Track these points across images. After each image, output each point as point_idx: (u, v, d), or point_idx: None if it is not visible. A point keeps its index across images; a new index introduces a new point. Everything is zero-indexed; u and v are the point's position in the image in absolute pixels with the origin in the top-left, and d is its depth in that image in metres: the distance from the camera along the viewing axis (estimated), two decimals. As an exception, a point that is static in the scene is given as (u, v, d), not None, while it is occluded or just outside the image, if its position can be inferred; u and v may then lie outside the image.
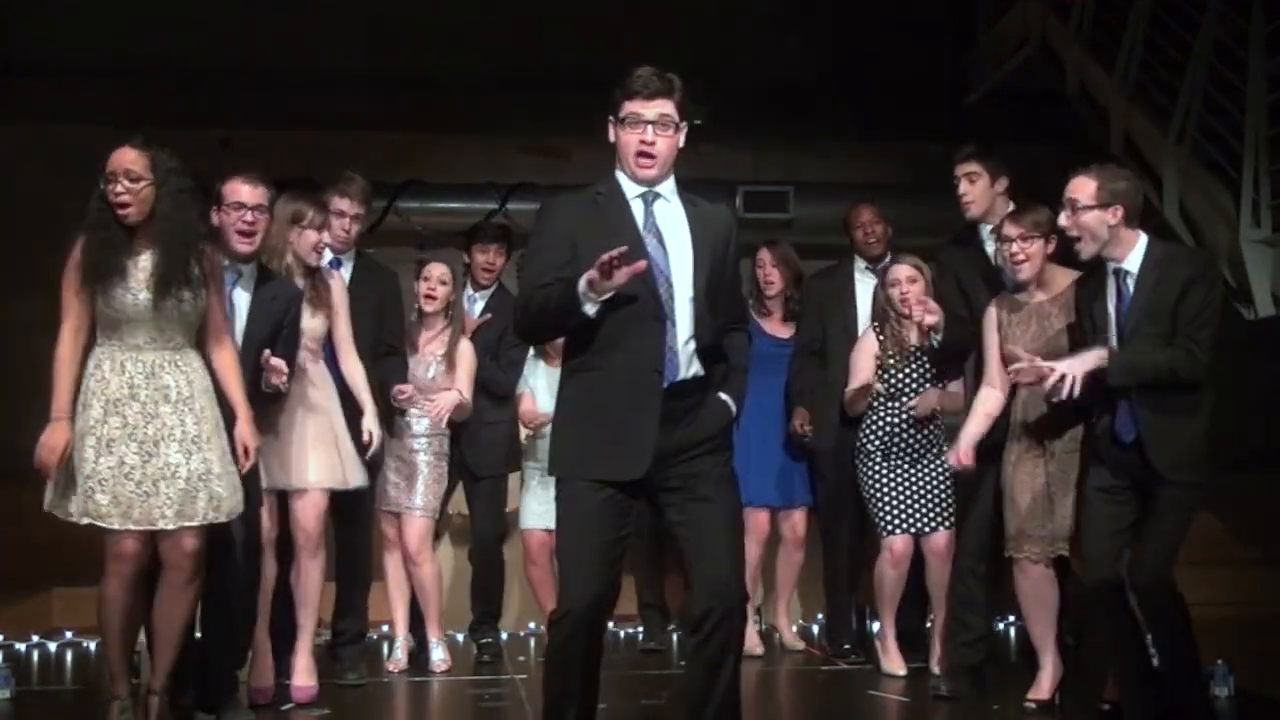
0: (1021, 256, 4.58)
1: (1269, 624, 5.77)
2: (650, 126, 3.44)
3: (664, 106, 3.46)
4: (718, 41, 7.72)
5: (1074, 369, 4.06)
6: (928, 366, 5.16)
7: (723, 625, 3.38)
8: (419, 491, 5.29)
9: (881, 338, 5.23)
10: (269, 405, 4.45)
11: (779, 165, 8.13)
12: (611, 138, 3.52)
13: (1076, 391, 4.04)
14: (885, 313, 5.24)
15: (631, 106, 3.45)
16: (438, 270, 5.38)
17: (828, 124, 8.02)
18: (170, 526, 3.88)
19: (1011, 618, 6.13)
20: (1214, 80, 5.72)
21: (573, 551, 3.44)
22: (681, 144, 3.53)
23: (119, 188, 3.88)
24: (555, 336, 3.71)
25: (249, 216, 4.33)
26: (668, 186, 3.55)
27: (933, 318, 4.84)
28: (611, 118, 3.50)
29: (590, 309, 3.33)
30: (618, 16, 7.51)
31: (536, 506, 5.47)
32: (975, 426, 4.69)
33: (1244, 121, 5.48)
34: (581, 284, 3.30)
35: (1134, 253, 4.14)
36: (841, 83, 7.89)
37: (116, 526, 3.85)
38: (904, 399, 5.15)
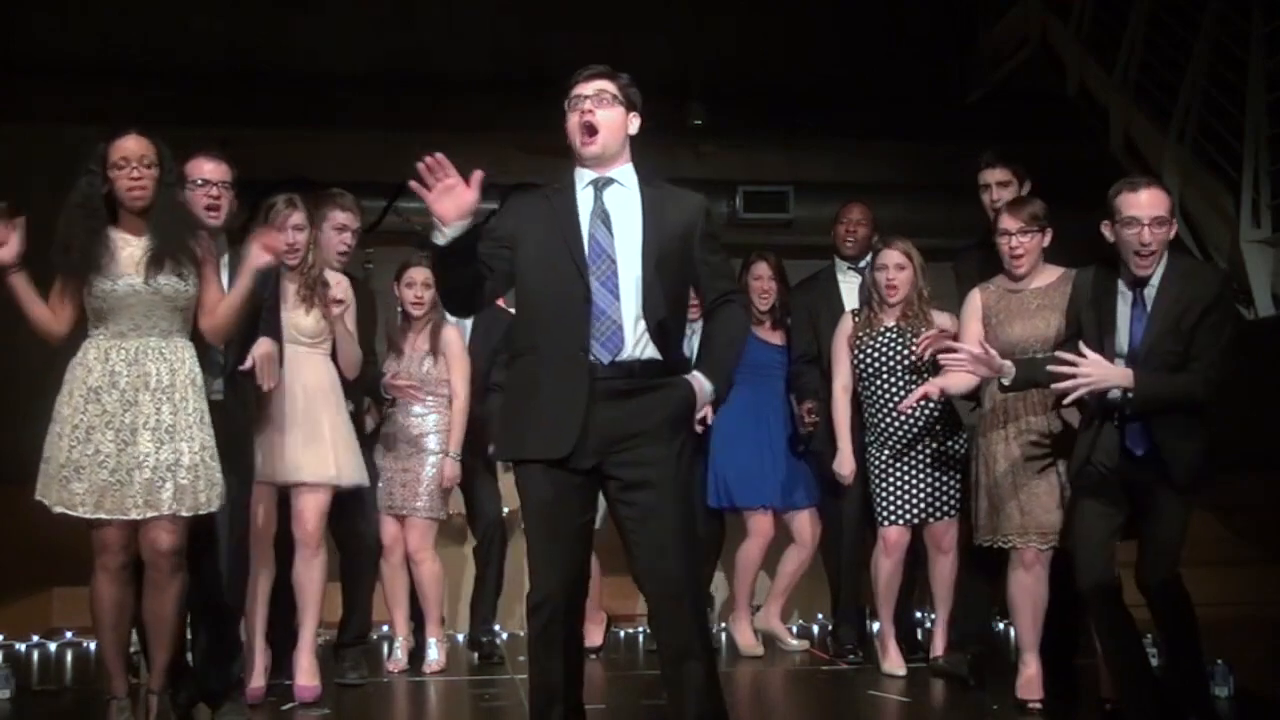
0: (1021, 250, 4.56)
1: (1269, 624, 5.78)
2: (588, 100, 3.49)
3: (603, 84, 3.51)
4: (718, 42, 7.73)
5: (1102, 378, 3.96)
6: (900, 345, 5.13)
7: (670, 625, 3.41)
8: (423, 494, 5.29)
9: (857, 319, 5.24)
10: (267, 395, 4.47)
11: (779, 165, 8.14)
12: (567, 132, 3.57)
13: (1084, 394, 3.99)
14: (869, 295, 5.25)
15: (572, 91, 3.53)
16: (421, 275, 5.34)
17: (827, 124, 8.02)
18: (139, 516, 3.87)
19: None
20: (1214, 80, 5.72)
21: (538, 539, 3.48)
22: (632, 130, 3.56)
23: (135, 173, 3.92)
24: (456, 292, 3.60)
25: (214, 191, 4.37)
26: (624, 173, 3.57)
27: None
28: (564, 119, 3.56)
29: (438, 237, 3.40)
30: (618, 17, 7.51)
31: None
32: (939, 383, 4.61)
33: (1244, 121, 5.49)
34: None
35: (1159, 266, 4.07)
36: (841, 83, 7.90)
37: (88, 515, 3.86)
38: (880, 379, 5.14)
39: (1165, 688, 4.15)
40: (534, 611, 3.46)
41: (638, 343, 3.47)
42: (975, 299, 4.67)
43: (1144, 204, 4.01)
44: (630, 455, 3.43)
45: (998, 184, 5.03)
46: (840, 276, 5.73)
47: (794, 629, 6.07)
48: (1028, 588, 4.57)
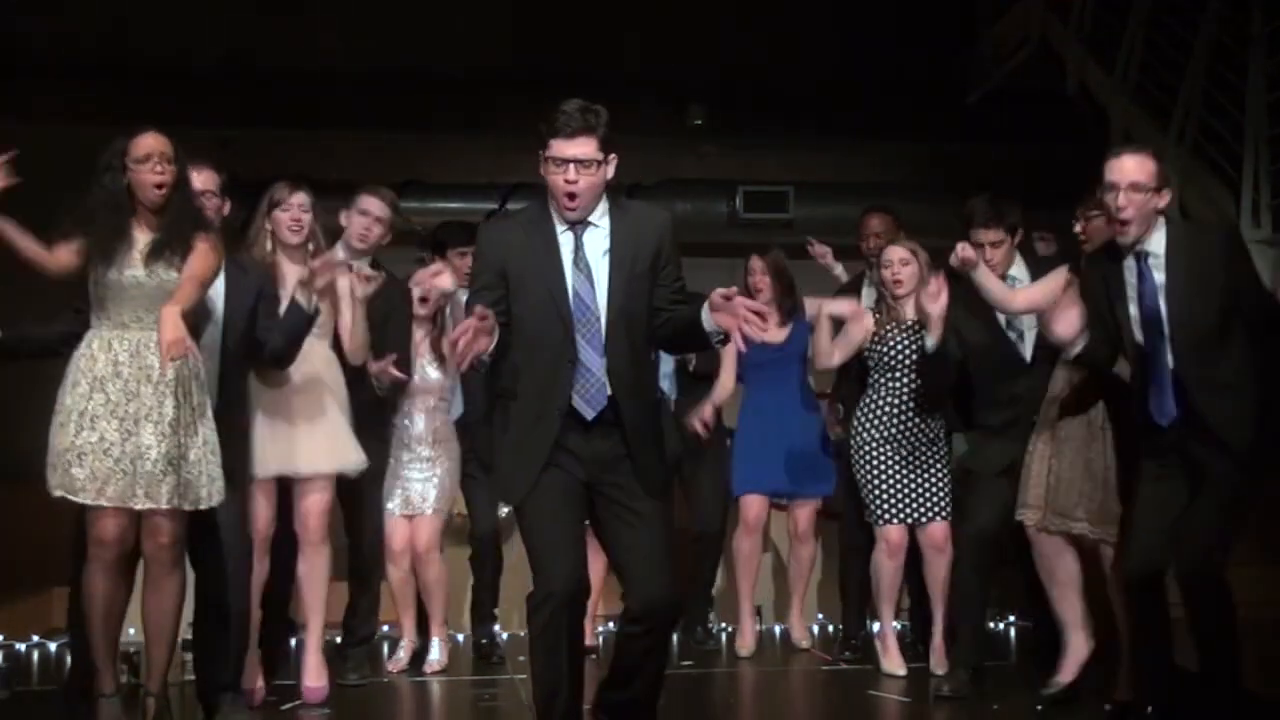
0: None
1: (1269, 624, 5.77)
2: (571, 166, 3.48)
3: (585, 146, 3.48)
4: (718, 42, 7.73)
5: None
6: (915, 341, 5.10)
7: (654, 630, 3.57)
8: (434, 493, 5.28)
9: (878, 315, 5.23)
10: (274, 384, 4.52)
11: (779, 165, 8.14)
12: (541, 170, 3.56)
13: None
14: (879, 295, 5.26)
15: (555, 147, 3.49)
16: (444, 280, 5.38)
17: (828, 124, 8.03)
18: (140, 506, 3.89)
19: (1011, 617, 6.15)
20: (1214, 80, 5.72)
21: (542, 537, 3.52)
22: (610, 175, 3.56)
23: (159, 168, 3.97)
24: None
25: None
26: (598, 213, 3.59)
27: (937, 307, 4.78)
28: (540, 153, 3.53)
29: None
30: (618, 17, 7.52)
31: None
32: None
33: (1244, 121, 5.49)
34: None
35: (1157, 234, 4.05)
36: (841, 83, 7.90)
37: (89, 501, 3.87)
38: (898, 372, 5.12)
39: (1188, 688, 4.11)
40: (536, 609, 3.50)
41: (619, 391, 3.52)
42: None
43: (1121, 169, 4.02)
44: (620, 475, 3.55)
45: (991, 244, 4.88)
46: (866, 286, 5.72)
47: (814, 630, 6.09)
48: (1060, 566, 4.59)
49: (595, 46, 7.50)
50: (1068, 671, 4.66)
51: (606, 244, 3.56)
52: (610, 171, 3.56)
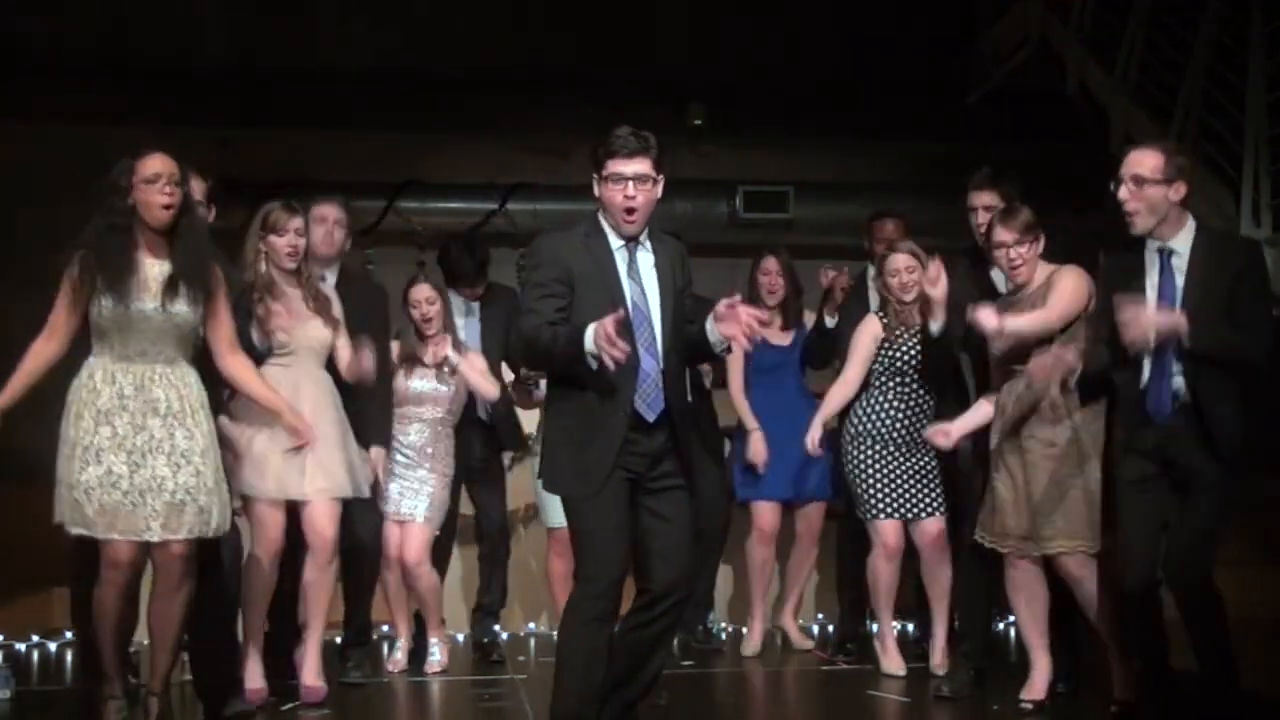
0: (1020, 261, 4.55)
1: (1269, 624, 5.77)
2: (631, 183, 3.71)
3: (642, 164, 3.73)
4: (718, 42, 7.73)
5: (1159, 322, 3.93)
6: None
7: (673, 609, 3.76)
8: (425, 503, 5.25)
9: (885, 320, 5.22)
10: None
11: (779, 165, 8.13)
12: (596, 192, 3.79)
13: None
14: (886, 299, 5.24)
15: (614, 165, 3.72)
16: (425, 292, 5.28)
17: (828, 124, 8.02)
18: (155, 539, 3.90)
19: (1011, 618, 6.14)
20: (1214, 80, 5.72)
21: (601, 531, 3.68)
22: (659, 195, 3.80)
23: (167, 189, 3.94)
24: (557, 370, 3.92)
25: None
26: (646, 233, 3.84)
27: (938, 291, 4.79)
28: (595, 174, 3.77)
29: (594, 363, 3.57)
30: (618, 17, 7.52)
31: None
32: (966, 422, 4.69)
33: (1244, 121, 5.48)
34: (589, 342, 3.52)
35: (1183, 234, 4.08)
36: (841, 82, 7.90)
37: (101, 535, 3.88)
38: (901, 378, 5.13)
39: (1185, 693, 4.11)
40: (583, 596, 3.67)
41: (670, 393, 3.74)
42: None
43: (1125, 163, 4.10)
44: (668, 466, 3.76)
45: (985, 208, 4.93)
46: (870, 283, 5.71)
47: (814, 630, 6.08)
48: (1023, 585, 4.59)
49: (595, 46, 7.50)
50: (1039, 689, 4.65)
51: (653, 260, 3.82)
52: (659, 191, 3.78)
